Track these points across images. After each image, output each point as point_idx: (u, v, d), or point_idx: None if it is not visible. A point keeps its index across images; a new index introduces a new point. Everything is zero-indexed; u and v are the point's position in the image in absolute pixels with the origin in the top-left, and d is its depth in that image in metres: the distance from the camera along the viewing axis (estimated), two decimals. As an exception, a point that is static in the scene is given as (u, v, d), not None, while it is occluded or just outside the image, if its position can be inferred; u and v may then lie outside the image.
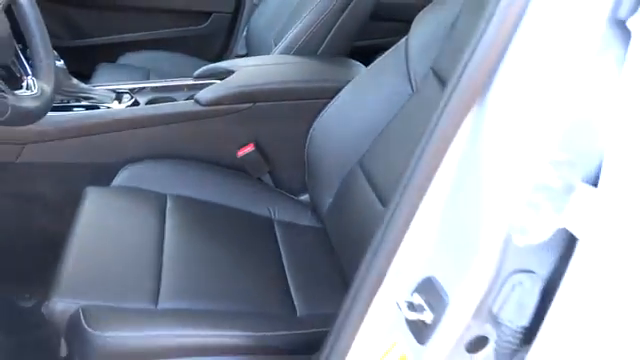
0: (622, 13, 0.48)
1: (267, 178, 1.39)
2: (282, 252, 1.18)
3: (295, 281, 1.10)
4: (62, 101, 1.32)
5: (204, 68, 1.45)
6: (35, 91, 0.90)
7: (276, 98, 1.34)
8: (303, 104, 1.33)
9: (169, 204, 1.18)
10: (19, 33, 1.05)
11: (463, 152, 0.58)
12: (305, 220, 1.31)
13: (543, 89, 0.52)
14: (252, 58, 1.66)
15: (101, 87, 1.40)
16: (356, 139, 1.21)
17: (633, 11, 0.48)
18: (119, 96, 1.38)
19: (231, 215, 1.23)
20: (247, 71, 1.39)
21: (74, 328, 0.84)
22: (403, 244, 0.64)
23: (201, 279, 1.01)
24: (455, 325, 0.61)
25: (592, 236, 0.48)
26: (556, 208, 0.53)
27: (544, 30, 0.52)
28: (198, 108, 1.30)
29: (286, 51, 1.49)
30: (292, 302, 1.05)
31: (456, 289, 0.61)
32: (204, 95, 1.31)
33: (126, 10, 1.96)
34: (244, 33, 2.04)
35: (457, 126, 0.56)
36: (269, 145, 1.36)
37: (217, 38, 2.09)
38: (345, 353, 0.71)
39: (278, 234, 1.23)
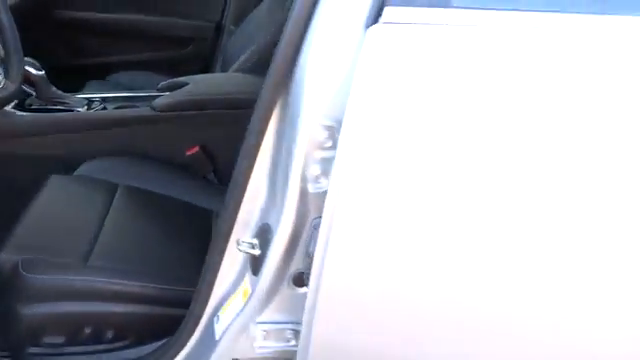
0: (368, 22, 0.68)
1: (212, 176, 1.60)
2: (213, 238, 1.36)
3: None
4: (41, 104, 1.56)
5: (166, 82, 1.68)
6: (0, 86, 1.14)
7: (220, 107, 1.56)
8: (244, 112, 1.53)
9: (119, 191, 1.38)
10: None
11: (278, 121, 0.78)
12: (242, 214, 1.49)
13: (320, 73, 0.72)
14: (207, 75, 1.89)
15: (76, 95, 1.64)
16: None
17: (373, 21, 0.68)
18: (90, 103, 1.61)
19: (172, 204, 1.42)
20: (198, 84, 1.61)
21: (14, 275, 1.04)
22: (245, 200, 0.83)
23: (129, 249, 1.19)
24: (276, 257, 0.79)
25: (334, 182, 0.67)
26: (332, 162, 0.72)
27: (319, 34, 0.72)
28: (153, 113, 1.53)
29: (238, 70, 1.72)
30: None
31: (277, 229, 0.79)
32: (158, 102, 1.53)
33: (117, 34, 2.23)
34: (222, 56, 2.29)
35: (272, 106, 0.76)
36: (214, 147, 1.57)
37: (198, 61, 2.33)
38: (210, 289, 0.89)
39: (214, 224, 1.41)
